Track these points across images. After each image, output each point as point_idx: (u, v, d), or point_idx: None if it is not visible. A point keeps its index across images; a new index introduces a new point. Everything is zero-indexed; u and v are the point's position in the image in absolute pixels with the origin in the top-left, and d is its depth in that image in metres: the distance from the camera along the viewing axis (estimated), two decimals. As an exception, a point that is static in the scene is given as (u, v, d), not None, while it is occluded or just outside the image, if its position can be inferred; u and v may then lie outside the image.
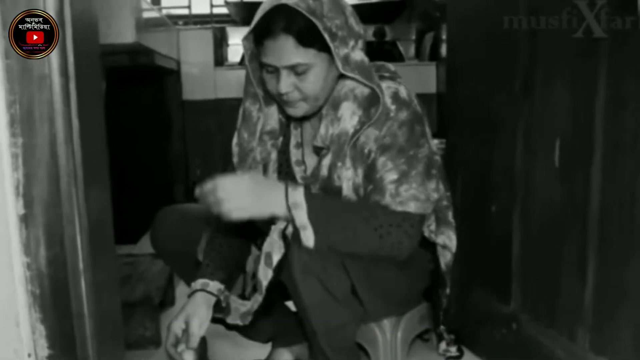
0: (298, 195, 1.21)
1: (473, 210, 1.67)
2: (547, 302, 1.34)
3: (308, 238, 1.20)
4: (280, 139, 1.45)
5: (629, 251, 1.10)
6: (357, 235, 1.24)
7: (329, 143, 1.31)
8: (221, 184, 1.19)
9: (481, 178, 1.61)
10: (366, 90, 1.30)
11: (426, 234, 1.41)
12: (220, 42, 3.37)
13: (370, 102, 1.29)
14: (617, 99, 1.11)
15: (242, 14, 3.43)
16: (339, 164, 1.30)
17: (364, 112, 1.30)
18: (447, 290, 1.50)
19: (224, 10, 3.65)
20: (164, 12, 3.55)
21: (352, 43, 1.28)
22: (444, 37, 2.92)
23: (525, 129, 1.40)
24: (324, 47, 1.25)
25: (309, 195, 1.22)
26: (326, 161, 1.32)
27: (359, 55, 1.29)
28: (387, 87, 1.31)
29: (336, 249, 1.24)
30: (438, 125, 2.47)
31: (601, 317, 1.18)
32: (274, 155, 1.44)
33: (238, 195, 1.20)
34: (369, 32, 3.21)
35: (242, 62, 3.29)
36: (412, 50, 3.49)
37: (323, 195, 1.28)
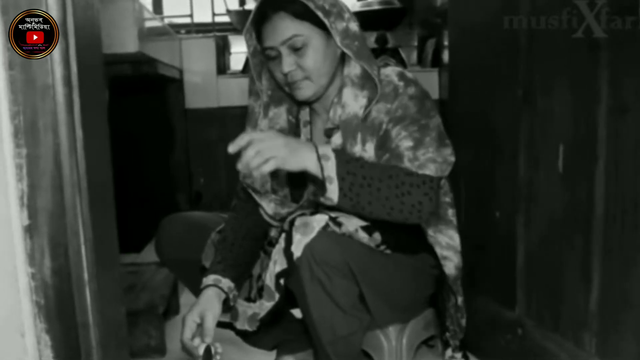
0: (327, 149, 1.25)
1: (477, 215, 1.67)
2: (552, 308, 1.34)
3: (333, 192, 1.23)
4: None
5: (633, 257, 1.10)
6: (379, 193, 1.25)
7: (338, 123, 1.36)
8: (257, 137, 1.20)
9: (485, 184, 1.61)
10: (358, 69, 1.36)
11: (430, 239, 1.40)
12: (223, 51, 3.38)
13: (364, 79, 1.35)
14: (619, 103, 1.11)
15: (244, 22, 3.43)
16: (349, 142, 1.34)
17: (364, 90, 1.35)
18: (459, 300, 1.47)
19: (226, 19, 3.66)
20: (166, 21, 3.56)
21: (347, 16, 1.35)
22: (445, 43, 2.93)
23: (527, 136, 1.40)
24: (319, 24, 1.32)
25: (337, 151, 1.26)
26: (336, 139, 1.36)
27: (355, 27, 1.36)
28: (392, 69, 1.38)
29: (359, 207, 1.25)
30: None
31: (607, 322, 1.18)
32: None
33: (275, 147, 1.19)
34: (371, 39, 3.21)
35: (244, 70, 3.30)
36: (414, 56, 3.49)
37: (349, 155, 1.31)
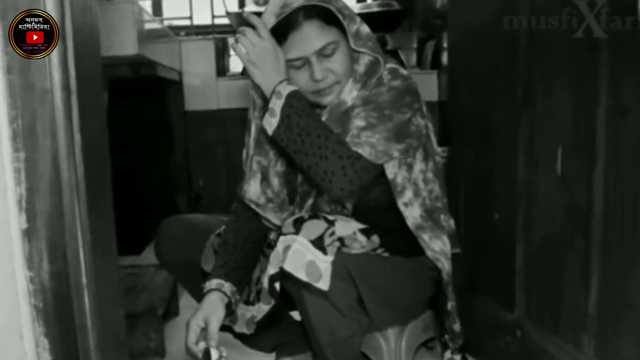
0: (285, 89, 1.30)
1: (476, 217, 1.67)
2: (551, 310, 1.34)
3: (271, 124, 1.31)
4: None
5: (633, 259, 1.10)
6: (303, 146, 1.28)
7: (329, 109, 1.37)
8: (262, 39, 1.31)
9: (484, 186, 1.61)
10: (362, 67, 1.37)
11: (422, 244, 1.40)
12: (222, 53, 3.38)
13: (367, 74, 1.36)
14: (618, 105, 1.11)
15: (244, 25, 3.43)
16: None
17: (358, 84, 1.36)
18: (449, 305, 1.45)
19: (225, 21, 3.66)
20: (166, 23, 3.57)
21: (358, 19, 1.36)
22: (445, 45, 2.93)
23: (526, 138, 1.40)
24: (341, 28, 1.33)
25: (292, 95, 1.30)
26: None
27: (366, 28, 1.37)
28: (388, 65, 1.38)
29: (285, 145, 1.30)
30: (440, 133, 2.48)
31: (606, 324, 1.18)
32: (274, 161, 1.46)
33: (257, 54, 1.31)
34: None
35: (244, 72, 3.29)
36: (413, 58, 3.50)
37: (304, 102, 1.31)
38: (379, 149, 1.29)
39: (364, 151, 1.27)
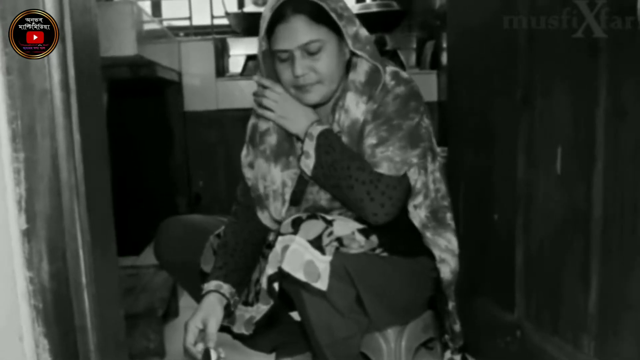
0: (316, 130, 1.35)
1: (476, 218, 1.67)
2: (551, 310, 1.34)
3: (308, 166, 1.35)
4: None
5: (632, 259, 1.10)
6: (334, 179, 1.32)
7: (342, 128, 1.37)
8: (279, 93, 1.38)
9: (483, 186, 1.61)
10: (362, 75, 1.36)
11: (428, 242, 1.40)
12: (222, 53, 3.38)
13: (370, 84, 1.36)
14: (617, 106, 1.11)
15: (243, 25, 3.44)
16: (354, 148, 1.36)
17: (363, 96, 1.36)
18: (450, 305, 1.45)
19: (224, 22, 3.66)
20: (165, 24, 3.56)
21: (357, 21, 1.36)
22: (444, 45, 2.93)
23: (526, 138, 1.40)
24: (333, 28, 1.32)
25: (321, 134, 1.34)
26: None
27: (365, 31, 1.37)
28: (388, 69, 1.37)
29: (322, 184, 1.37)
30: (440, 134, 2.48)
31: (606, 324, 1.18)
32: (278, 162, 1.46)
33: (282, 107, 1.38)
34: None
35: (243, 73, 3.30)
36: (412, 58, 3.49)
37: (332, 138, 1.35)
38: (396, 160, 1.30)
39: (383, 168, 1.29)
